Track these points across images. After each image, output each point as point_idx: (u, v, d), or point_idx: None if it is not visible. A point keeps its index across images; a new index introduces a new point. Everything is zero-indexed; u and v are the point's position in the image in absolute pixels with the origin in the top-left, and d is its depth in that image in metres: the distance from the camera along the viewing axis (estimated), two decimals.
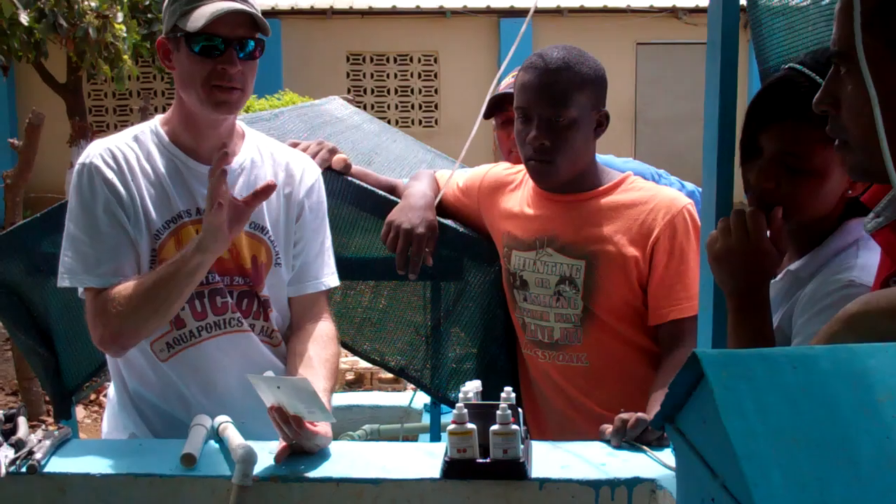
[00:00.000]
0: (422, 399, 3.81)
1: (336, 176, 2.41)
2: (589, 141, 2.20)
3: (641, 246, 2.15)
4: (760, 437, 0.81)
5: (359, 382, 6.00)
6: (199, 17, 1.89)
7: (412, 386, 5.96)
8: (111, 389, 2.15)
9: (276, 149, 2.15)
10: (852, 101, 1.23)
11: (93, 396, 5.79)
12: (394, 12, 14.97)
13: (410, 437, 3.65)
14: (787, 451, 0.82)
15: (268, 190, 1.89)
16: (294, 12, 14.05)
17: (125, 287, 1.90)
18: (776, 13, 1.80)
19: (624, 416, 1.79)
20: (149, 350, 2.00)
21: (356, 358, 5.65)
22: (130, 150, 1.99)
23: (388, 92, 15.45)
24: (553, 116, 2.13)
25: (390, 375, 5.99)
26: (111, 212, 1.93)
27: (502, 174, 2.43)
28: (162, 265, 1.91)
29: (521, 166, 2.39)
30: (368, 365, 5.98)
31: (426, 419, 3.72)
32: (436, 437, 2.85)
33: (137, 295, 1.88)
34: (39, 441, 1.74)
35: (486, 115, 2.62)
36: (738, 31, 1.55)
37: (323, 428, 1.74)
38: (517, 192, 2.35)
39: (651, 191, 2.23)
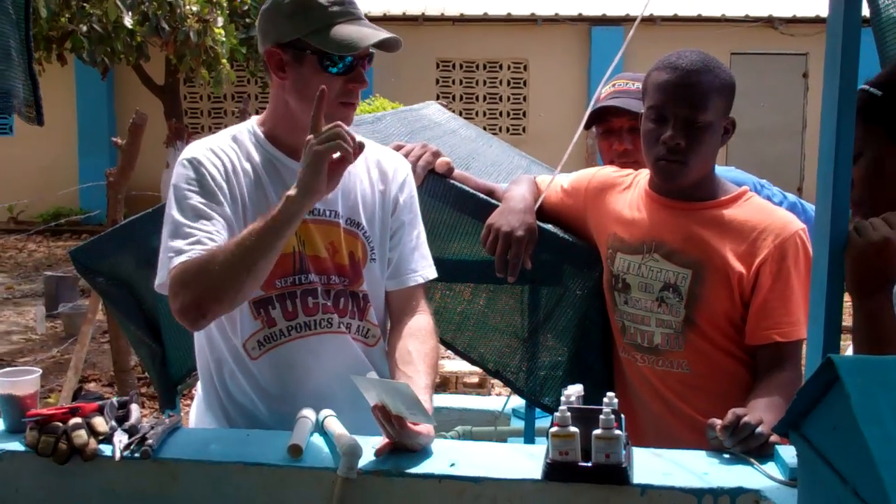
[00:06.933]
0: (511, 404, 3.81)
1: (438, 179, 2.44)
2: (717, 146, 2.20)
3: (748, 264, 2.13)
4: None
5: (443, 386, 6.02)
6: (344, 41, 1.93)
7: (496, 391, 5.97)
8: (198, 389, 2.18)
9: (366, 147, 2.16)
10: None
11: (186, 391, 5.92)
12: (485, 19, 15.02)
13: (501, 440, 3.65)
14: None
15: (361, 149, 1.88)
16: (386, 18, 14.17)
17: (207, 252, 1.84)
18: None
19: (739, 410, 1.75)
20: (240, 349, 2.03)
21: (441, 361, 5.68)
22: (231, 149, 2.03)
23: (477, 99, 15.49)
24: (691, 117, 2.12)
25: (475, 380, 6.00)
26: (215, 198, 1.93)
27: (612, 175, 2.42)
28: (247, 227, 1.85)
29: (630, 170, 2.40)
30: (453, 369, 6.03)
31: (514, 423, 3.72)
32: (529, 441, 2.85)
33: (223, 256, 1.81)
34: (152, 428, 1.79)
35: (587, 126, 2.62)
36: (859, 41, 1.51)
37: (425, 428, 1.76)
38: (627, 194, 2.34)
39: (766, 210, 2.20)
